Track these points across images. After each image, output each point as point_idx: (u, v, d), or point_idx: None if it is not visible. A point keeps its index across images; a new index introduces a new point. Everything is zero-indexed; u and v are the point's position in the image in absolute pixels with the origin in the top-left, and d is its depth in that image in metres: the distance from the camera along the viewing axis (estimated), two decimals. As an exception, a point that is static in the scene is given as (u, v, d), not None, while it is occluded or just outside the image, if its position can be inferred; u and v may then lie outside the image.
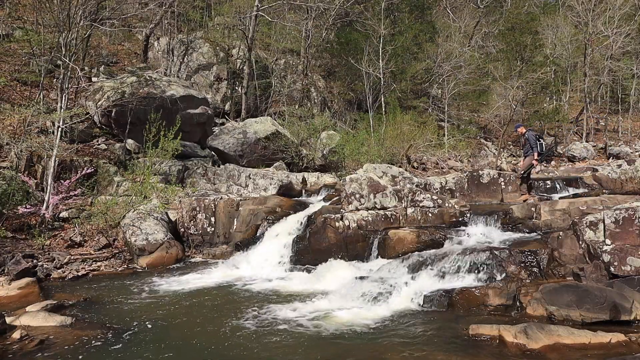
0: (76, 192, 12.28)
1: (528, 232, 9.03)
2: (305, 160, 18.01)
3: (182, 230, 11.68)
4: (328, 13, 25.11)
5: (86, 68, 18.55)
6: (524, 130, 11.32)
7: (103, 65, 20.92)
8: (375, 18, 24.29)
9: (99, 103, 15.64)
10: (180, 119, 14.83)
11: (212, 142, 17.50)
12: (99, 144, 15.77)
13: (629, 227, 7.56)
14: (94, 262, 10.25)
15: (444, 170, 20.89)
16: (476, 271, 7.87)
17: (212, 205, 11.64)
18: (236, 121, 20.49)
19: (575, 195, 11.41)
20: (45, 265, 9.63)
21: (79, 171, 12.64)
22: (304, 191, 14.38)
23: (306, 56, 24.75)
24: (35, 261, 9.69)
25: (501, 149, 24.82)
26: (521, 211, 9.47)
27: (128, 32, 24.42)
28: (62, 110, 12.59)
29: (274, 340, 6.16)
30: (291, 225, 10.67)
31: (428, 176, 15.83)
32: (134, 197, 12.06)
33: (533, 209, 9.46)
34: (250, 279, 9.25)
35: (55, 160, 11.89)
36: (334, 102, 26.13)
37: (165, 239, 10.95)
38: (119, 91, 15.60)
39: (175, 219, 11.89)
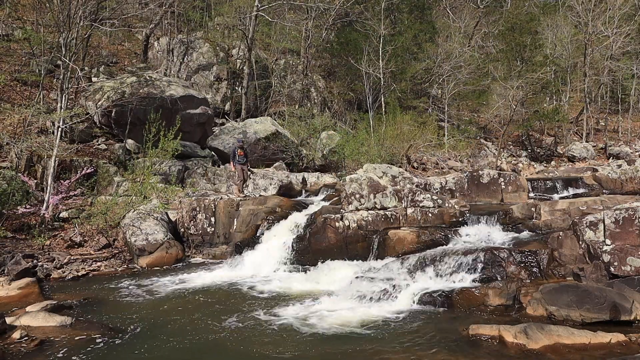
0: (76, 192, 12.29)
1: (528, 232, 9.03)
2: (305, 161, 18.02)
3: (182, 230, 11.68)
4: (328, 13, 25.09)
5: (86, 68, 18.56)
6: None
7: (103, 65, 20.93)
8: (375, 18, 24.26)
9: (99, 103, 15.65)
10: (180, 119, 14.84)
11: (212, 142, 17.50)
12: (99, 144, 15.77)
13: (629, 227, 7.56)
14: (94, 262, 10.26)
15: (444, 170, 20.87)
16: (476, 271, 7.87)
17: (212, 205, 11.64)
18: (236, 121, 20.47)
19: (575, 195, 11.42)
20: (45, 266, 9.63)
21: (79, 171, 12.65)
22: (304, 191, 14.38)
23: (306, 56, 24.74)
24: (35, 261, 9.70)
25: (501, 149, 24.80)
26: (521, 211, 9.47)
27: (128, 32, 24.40)
28: (62, 110, 12.60)
29: (274, 339, 6.17)
30: (291, 225, 10.66)
31: (428, 176, 15.81)
32: (134, 197, 12.06)
33: (533, 209, 9.46)
34: (250, 279, 9.26)
35: (55, 160, 11.89)
36: (334, 102, 26.10)
37: (165, 239, 10.96)
38: (119, 91, 15.60)
39: (175, 219, 11.89)
